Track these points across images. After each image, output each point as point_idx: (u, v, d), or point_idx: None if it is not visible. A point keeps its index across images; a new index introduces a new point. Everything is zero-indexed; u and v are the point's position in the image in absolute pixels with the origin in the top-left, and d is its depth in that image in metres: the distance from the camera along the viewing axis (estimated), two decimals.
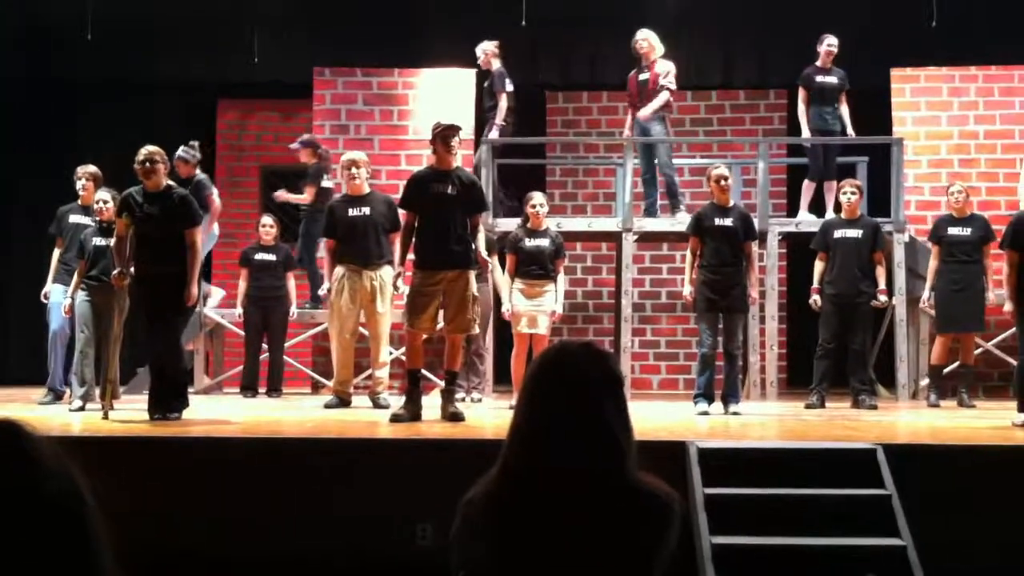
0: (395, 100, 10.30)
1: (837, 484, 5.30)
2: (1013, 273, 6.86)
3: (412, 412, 6.74)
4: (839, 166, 9.81)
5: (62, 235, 8.45)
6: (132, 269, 6.83)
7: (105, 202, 7.91)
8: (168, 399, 6.72)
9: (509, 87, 9.70)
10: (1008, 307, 7.29)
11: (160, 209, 6.78)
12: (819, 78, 9.64)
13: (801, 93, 9.69)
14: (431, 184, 6.94)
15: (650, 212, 9.73)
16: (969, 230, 8.77)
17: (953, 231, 8.80)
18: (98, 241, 7.84)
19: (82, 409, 7.52)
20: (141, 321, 7.07)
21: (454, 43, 10.50)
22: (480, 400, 8.84)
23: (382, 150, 10.12)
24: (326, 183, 9.73)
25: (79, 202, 8.51)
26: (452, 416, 6.77)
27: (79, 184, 8.46)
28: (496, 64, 9.74)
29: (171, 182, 7.02)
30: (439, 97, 10.13)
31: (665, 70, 9.51)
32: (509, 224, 8.99)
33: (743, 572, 4.89)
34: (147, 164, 6.84)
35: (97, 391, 7.70)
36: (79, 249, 7.98)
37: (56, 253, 8.47)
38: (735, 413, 7.56)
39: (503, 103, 9.67)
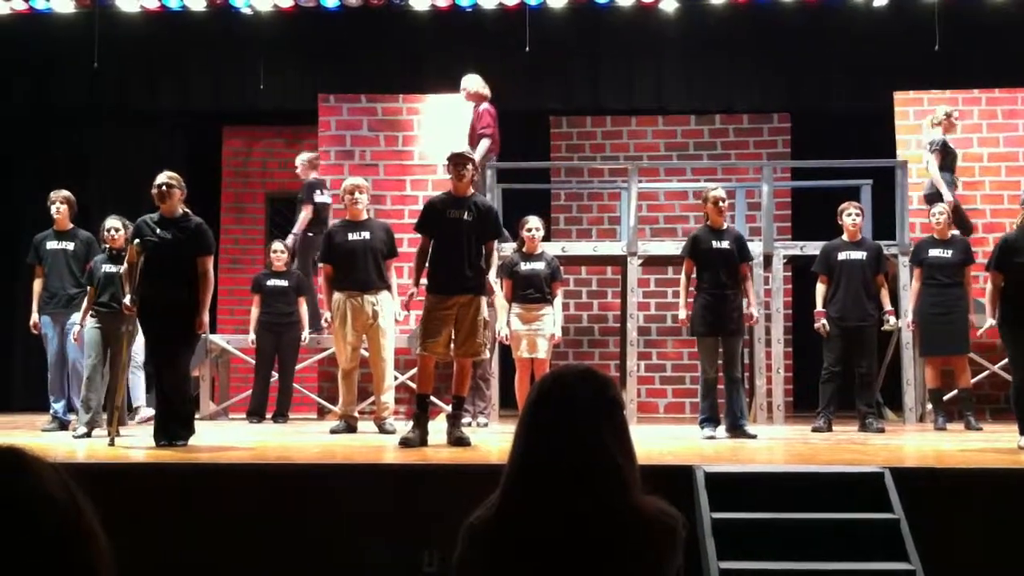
0: (400, 126, 10.34)
1: (845, 508, 5.27)
2: (996, 294, 6.84)
3: (420, 437, 6.74)
4: (844, 190, 9.84)
5: (41, 263, 8.44)
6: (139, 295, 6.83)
7: (117, 230, 7.92)
8: (174, 425, 6.71)
9: (319, 197, 9.74)
10: (985, 326, 7.28)
11: (174, 235, 6.79)
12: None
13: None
14: (447, 210, 6.99)
15: None
16: (950, 252, 8.73)
17: (934, 253, 8.76)
18: (107, 268, 7.85)
19: (88, 435, 7.52)
20: (147, 348, 7.07)
21: (459, 69, 10.53)
22: (486, 424, 8.83)
23: (387, 175, 10.16)
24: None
25: (54, 228, 8.51)
26: (458, 441, 6.77)
27: (53, 208, 8.46)
28: (312, 175, 9.71)
29: (187, 209, 7.03)
30: (443, 123, 10.17)
31: (484, 120, 9.42)
32: (508, 248, 9.01)
33: None
34: (163, 188, 6.85)
35: (103, 417, 7.71)
36: (88, 276, 7.98)
37: (37, 282, 8.44)
38: (752, 436, 7.52)
39: (305, 213, 9.74)
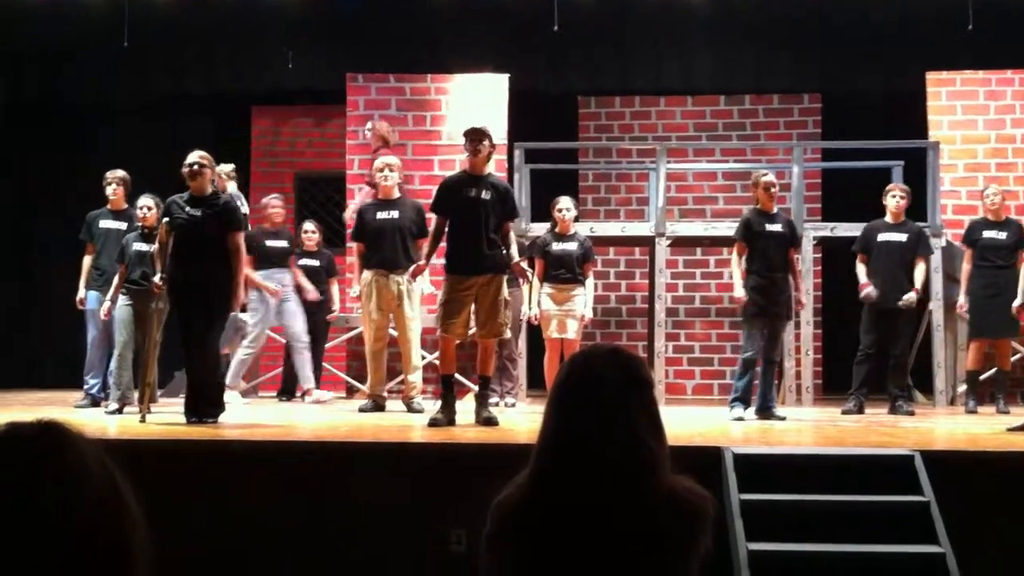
0: (428, 106, 10.33)
1: (874, 491, 5.25)
2: None
3: (448, 417, 6.76)
4: (875, 171, 9.76)
5: (93, 240, 8.52)
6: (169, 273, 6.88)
7: (148, 208, 7.96)
8: (205, 403, 6.76)
9: (244, 208, 9.49)
10: (1016, 303, 7.20)
11: (204, 213, 6.83)
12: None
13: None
14: (463, 188, 6.94)
15: None
16: (1004, 234, 8.64)
17: (988, 235, 8.67)
18: (139, 247, 7.90)
19: (119, 412, 7.60)
20: (176, 325, 7.12)
21: (487, 49, 10.52)
22: (514, 405, 8.84)
23: (415, 155, 10.16)
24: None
25: (109, 207, 8.58)
26: (486, 421, 6.78)
27: (108, 189, 8.54)
28: (231, 187, 9.20)
29: (216, 188, 7.07)
30: (472, 102, 10.15)
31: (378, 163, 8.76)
32: (540, 229, 9.01)
33: None
34: (194, 167, 6.89)
35: (134, 394, 7.78)
36: (119, 254, 8.04)
37: (87, 259, 8.54)
38: (781, 418, 7.51)
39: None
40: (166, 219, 6.87)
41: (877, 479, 5.32)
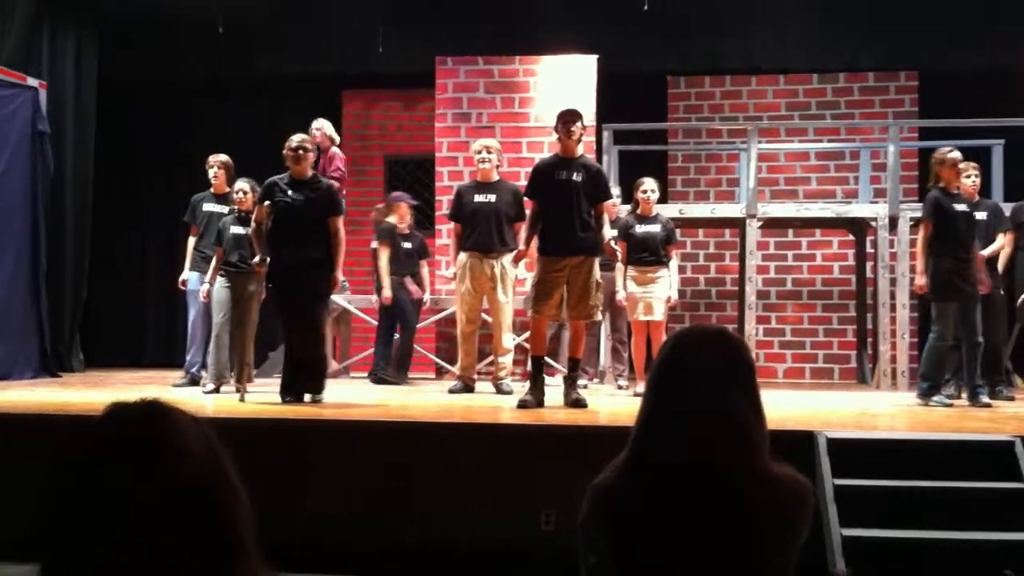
0: (516, 88, 10.33)
1: (972, 477, 5.14)
2: None
3: (537, 398, 6.78)
4: (974, 150, 9.47)
5: (196, 223, 8.70)
6: (269, 256, 6.98)
7: (245, 192, 8.08)
8: (309, 380, 6.90)
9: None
10: None
11: (306, 196, 6.93)
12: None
13: None
14: (556, 171, 6.95)
15: None
16: None
17: None
18: (236, 229, 8.04)
19: (216, 391, 7.77)
20: (273, 306, 7.23)
21: (575, 30, 10.45)
22: (624, 388, 8.76)
23: (503, 138, 10.15)
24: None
25: (211, 190, 8.76)
26: (575, 403, 6.78)
27: (211, 172, 8.70)
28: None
29: (316, 172, 7.16)
30: (560, 84, 10.13)
31: (335, 164, 8.97)
32: (621, 210, 9.01)
33: (874, 565, 4.79)
34: (299, 151, 6.98)
35: (231, 374, 7.95)
36: (216, 237, 8.20)
37: (191, 241, 8.73)
38: (987, 404, 7.19)
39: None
40: (267, 202, 6.97)
41: (975, 465, 5.21)
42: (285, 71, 11.46)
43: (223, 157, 8.74)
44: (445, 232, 10.28)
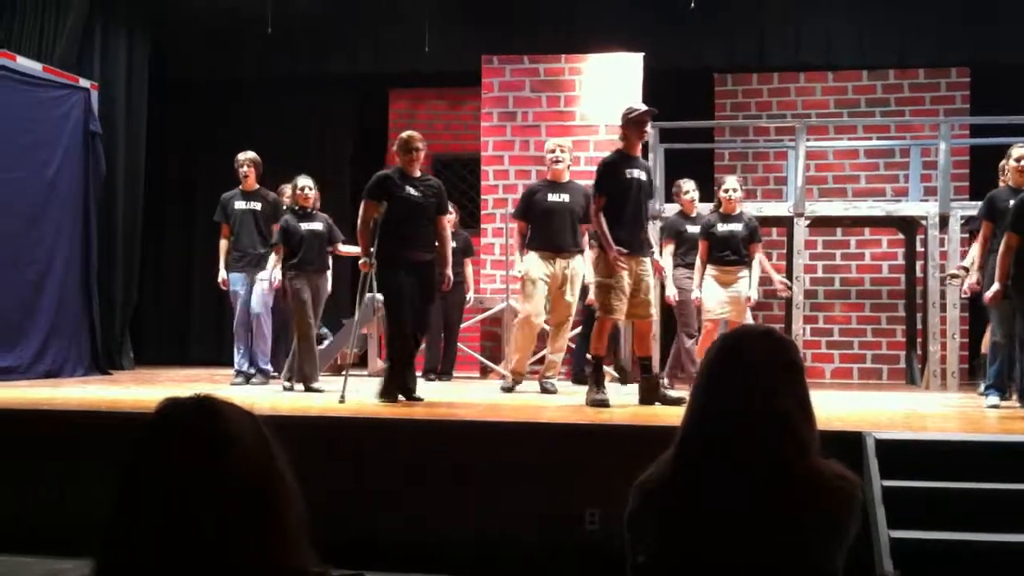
0: (562, 86, 10.33)
1: (1022, 479, 5.06)
2: None
3: (607, 397, 6.75)
4: None
5: (228, 221, 8.76)
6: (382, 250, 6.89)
7: (309, 188, 8.11)
8: (413, 381, 7.08)
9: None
10: None
11: (422, 193, 6.99)
12: None
13: None
14: (624, 169, 6.90)
15: None
16: None
17: None
18: (307, 226, 8.04)
19: (290, 389, 7.93)
20: (389, 298, 6.99)
21: (621, 28, 10.43)
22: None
23: (549, 136, 10.15)
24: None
25: (241, 188, 8.81)
26: (665, 399, 6.84)
27: (241, 171, 8.76)
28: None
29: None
30: (605, 82, 10.11)
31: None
32: (673, 209, 8.98)
33: (922, 567, 4.73)
34: (413, 153, 7.04)
35: (317, 375, 8.08)
36: (283, 236, 8.08)
37: (223, 241, 8.76)
38: None
39: None
40: (381, 196, 6.89)
41: None
42: (332, 70, 11.53)
43: (251, 154, 8.82)
44: (491, 231, 10.30)
